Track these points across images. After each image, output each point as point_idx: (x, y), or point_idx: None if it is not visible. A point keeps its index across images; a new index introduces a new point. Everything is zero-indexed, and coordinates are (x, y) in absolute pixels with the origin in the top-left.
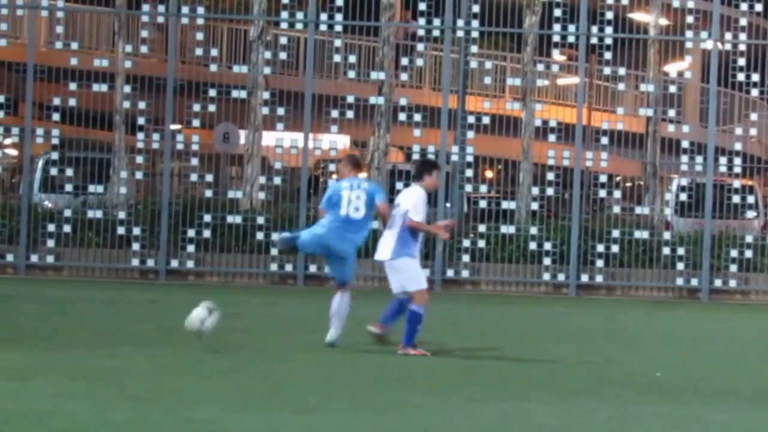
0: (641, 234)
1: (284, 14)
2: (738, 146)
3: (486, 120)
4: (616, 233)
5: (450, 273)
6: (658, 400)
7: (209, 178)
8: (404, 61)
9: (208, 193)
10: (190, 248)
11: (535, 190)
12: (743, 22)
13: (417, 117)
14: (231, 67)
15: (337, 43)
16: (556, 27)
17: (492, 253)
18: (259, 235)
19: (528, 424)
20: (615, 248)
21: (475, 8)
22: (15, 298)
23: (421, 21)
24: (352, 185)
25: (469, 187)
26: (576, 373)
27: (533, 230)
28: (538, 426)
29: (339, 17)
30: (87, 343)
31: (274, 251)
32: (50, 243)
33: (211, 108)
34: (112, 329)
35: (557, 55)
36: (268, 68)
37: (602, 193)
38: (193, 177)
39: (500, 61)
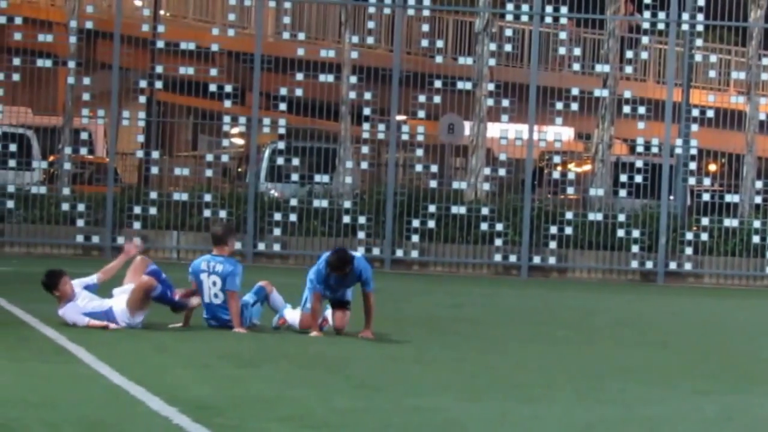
0: None
1: (509, 6)
2: None
3: (710, 113)
4: None
5: (672, 265)
6: None
7: (434, 168)
8: (629, 53)
9: (433, 184)
10: (415, 238)
11: (759, 184)
12: None
13: (641, 110)
14: (456, 59)
15: (562, 35)
16: None
17: (715, 246)
18: (484, 226)
19: (753, 417)
20: None
21: (701, 2)
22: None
23: (646, 14)
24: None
25: (692, 180)
26: None
27: (756, 224)
28: (764, 419)
29: (564, 10)
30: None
31: (498, 241)
32: (276, 231)
33: (437, 99)
34: None
35: None
36: (493, 60)
37: None
38: (418, 167)
39: (725, 55)
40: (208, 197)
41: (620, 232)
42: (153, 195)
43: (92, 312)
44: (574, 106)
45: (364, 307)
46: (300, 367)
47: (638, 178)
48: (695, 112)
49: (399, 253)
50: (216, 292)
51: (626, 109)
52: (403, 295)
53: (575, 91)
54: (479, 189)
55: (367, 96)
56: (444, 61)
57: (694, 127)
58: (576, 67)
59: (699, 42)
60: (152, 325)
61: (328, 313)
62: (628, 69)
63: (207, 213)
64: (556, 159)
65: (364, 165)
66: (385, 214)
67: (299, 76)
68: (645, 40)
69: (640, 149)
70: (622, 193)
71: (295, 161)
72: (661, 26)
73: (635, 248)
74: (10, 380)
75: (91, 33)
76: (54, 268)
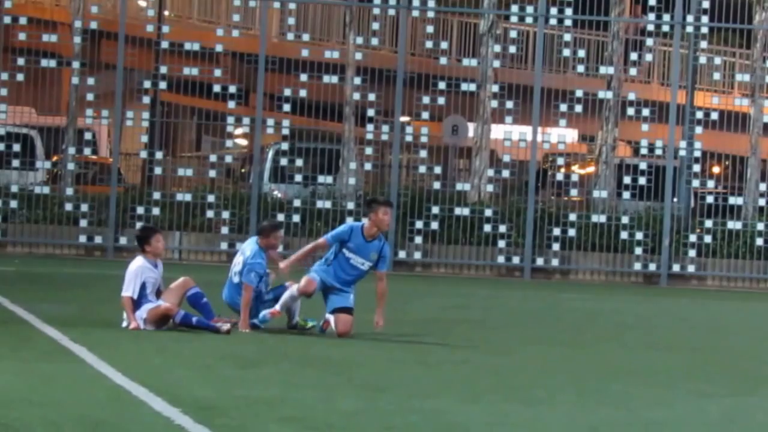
0: None
1: (514, 8)
2: None
3: (714, 116)
4: None
5: (676, 267)
6: None
7: (437, 170)
8: (633, 56)
9: (436, 185)
10: (418, 239)
11: (763, 186)
12: None
13: (645, 112)
14: (460, 60)
15: (567, 37)
16: None
17: (718, 249)
18: (487, 228)
19: (756, 420)
20: None
21: (705, 4)
22: None
23: (651, 16)
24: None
25: (696, 183)
26: None
27: (760, 226)
28: (766, 423)
29: (569, 11)
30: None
31: (501, 243)
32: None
33: (440, 100)
34: None
35: None
36: (497, 62)
37: None
38: (422, 169)
39: (729, 57)
40: (211, 198)
41: (623, 234)
42: (156, 195)
43: (147, 290)
44: (578, 108)
45: (377, 289)
46: (302, 368)
47: (642, 180)
48: (699, 115)
49: (402, 254)
50: (237, 271)
51: (630, 111)
52: (406, 297)
53: (579, 93)
54: (483, 190)
55: (371, 97)
56: (448, 62)
57: (698, 129)
58: (580, 68)
59: (703, 44)
60: None
61: (330, 317)
62: (633, 71)
63: (210, 214)
64: (560, 161)
65: (368, 166)
66: None
67: (303, 77)
68: (649, 42)
69: (643, 151)
70: (626, 195)
71: (299, 162)
72: (665, 28)
73: (638, 250)
74: (13, 380)
75: (96, 33)
76: (149, 225)
